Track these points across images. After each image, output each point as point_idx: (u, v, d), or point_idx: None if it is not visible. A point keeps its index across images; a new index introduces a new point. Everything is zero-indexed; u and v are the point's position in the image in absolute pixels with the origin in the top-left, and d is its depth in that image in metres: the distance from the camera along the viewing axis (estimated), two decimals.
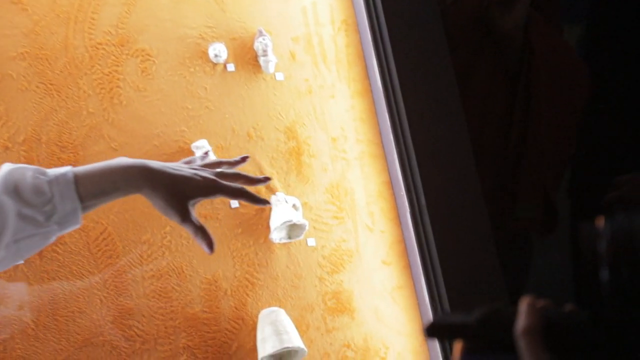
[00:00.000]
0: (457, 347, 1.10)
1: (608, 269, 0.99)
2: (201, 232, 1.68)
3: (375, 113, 2.98)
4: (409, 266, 2.92)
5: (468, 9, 3.13)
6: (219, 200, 2.68)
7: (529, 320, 1.03)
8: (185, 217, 1.66)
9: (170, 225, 2.61)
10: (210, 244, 1.69)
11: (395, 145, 2.88)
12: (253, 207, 2.72)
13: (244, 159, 1.87)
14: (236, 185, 1.72)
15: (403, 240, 2.93)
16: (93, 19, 2.67)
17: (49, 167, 2.47)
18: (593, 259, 1.01)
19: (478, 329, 1.08)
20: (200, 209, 2.65)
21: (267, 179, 1.86)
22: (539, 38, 3.08)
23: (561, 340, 1.03)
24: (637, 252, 0.97)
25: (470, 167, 2.84)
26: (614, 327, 0.99)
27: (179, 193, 1.64)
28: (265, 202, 1.83)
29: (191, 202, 1.67)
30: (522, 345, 1.02)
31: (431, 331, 1.13)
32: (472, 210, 2.84)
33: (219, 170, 1.76)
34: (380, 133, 2.97)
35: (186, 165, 1.74)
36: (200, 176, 1.68)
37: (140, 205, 2.60)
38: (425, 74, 2.87)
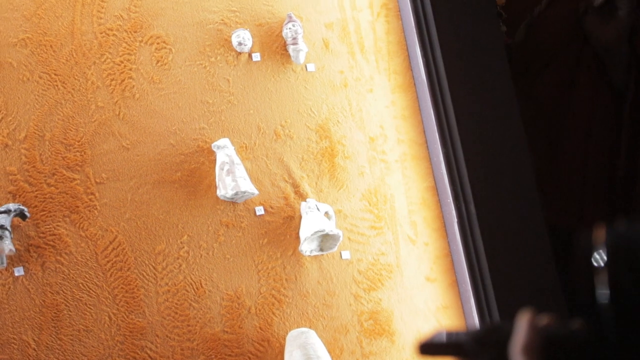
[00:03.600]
0: None
1: (608, 282, 1.02)
2: None
3: (418, 110, 2.95)
4: (456, 283, 2.90)
5: (560, 19, 3.14)
6: (242, 207, 2.68)
7: (528, 338, 1.08)
8: None
9: (188, 234, 2.62)
10: None
11: (441, 146, 2.85)
12: (281, 215, 2.71)
13: None
14: None
15: (449, 253, 2.91)
16: (103, 1, 2.68)
17: (53, 166, 2.56)
18: (591, 271, 1.05)
19: (474, 348, 1.11)
20: (222, 217, 2.65)
21: None
22: None
23: (560, 358, 1.06)
24: (637, 267, 1.01)
25: (526, 174, 2.81)
26: (615, 346, 1.02)
27: None
28: None
29: None
30: None
31: (425, 350, 1.16)
32: (528, 221, 2.79)
33: None
34: (424, 132, 2.94)
35: None
36: None
37: (154, 212, 2.61)
38: (476, 67, 2.83)
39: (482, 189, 2.78)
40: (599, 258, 1.05)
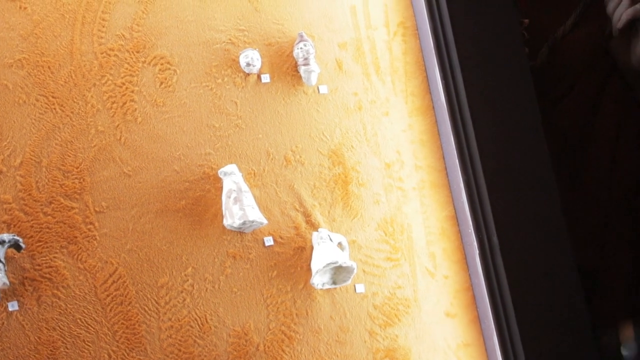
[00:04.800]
0: None
1: None
2: None
3: (437, 134, 2.94)
4: (477, 319, 2.87)
5: (585, 41, 3.16)
6: (250, 237, 2.66)
7: None
8: None
9: (193, 266, 2.59)
10: None
11: (461, 173, 2.84)
12: (291, 246, 2.69)
13: None
14: None
15: (471, 287, 2.88)
16: (104, 19, 2.67)
17: (50, 194, 2.53)
18: None
19: None
20: (229, 248, 2.63)
21: None
22: None
23: None
24: None
25: (553, 203, 2.79)
26: None
27: None
28: None
29: None
30: None
31: None
32: (555, 253, 2.78)
33: None
34: (443, 158, 2.93)
35: None
36: None
37: (157, 243, 2.58)
38: (499, 90, 2.83)
39: (506, 219, 2.76)
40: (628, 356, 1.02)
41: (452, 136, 2.86)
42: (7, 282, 2.36)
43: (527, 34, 3.12)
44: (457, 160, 2.85)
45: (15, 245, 2.41)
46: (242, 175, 2.66)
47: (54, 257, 2.50)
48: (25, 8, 2.59)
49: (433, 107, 2.96)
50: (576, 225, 2.95)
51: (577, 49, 3.14)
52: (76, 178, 2.55)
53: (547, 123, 2.94)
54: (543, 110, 2.88)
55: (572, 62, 3.10)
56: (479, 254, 2.81)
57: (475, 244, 2.82)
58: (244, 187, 2.62)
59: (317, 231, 2.71)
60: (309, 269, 2.69)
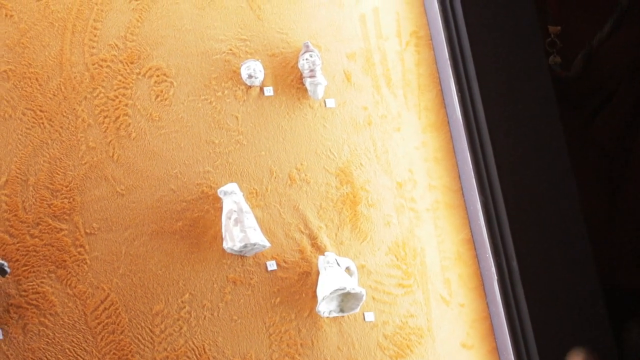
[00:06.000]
0: None
1: None
2: None
3: (453, 152, 2.94)
4: (496, 350, 2.86)
5: (624, 48, 3.15)
6: (252, 261, 2.63)
7: None
8: None
9: (190, 292, 2.57)
10: None
11: (478, 193, 2.84)
12: (295, 271, 2.67)
13: None
14: None
15: (488, 316, 2.87)
16: (95, 28, 2.66)
17: (38, 215, 2.47)
18: None
19: None
20: (229, 272, 2.61)
21: None
22: None
23: None
24: None
25: (577, 225, 2.78)
26: None
27: None
28: None
29: None
30: None
31: None
32: (579, 279, 2.76)
33: None
34: (459, 178, 2.93)
35: None
36: None
37: (152, 267, 2.56)
38: (518, 103, 2.82)
39: (526, 243, 2.76)
40: None
41: (468, 154, 2.87)
42: None
43: (559, 42, 3.13)
44: (474, 180, 2.86)
45: (0, 270, 2.38)
46: (244, 195, 2.65)
47: (42, 282, 2.48)
48: (11, 16, 2.58)
49: (448, 123, 2.96)
50: (618, 242, 2.97)
51: (615, 57, 3.14)
52: (65, 197, 2.54)
53: (584, 136, 2.94)
54: (576, 124, 2.88)
55: (610, 71, 3.09)
56: (497, 281, 2.81)
57: (493, 269, 2.82)
58: (245, 207, 2.61)
59: (324, 255, 2.71)
60: (314, 296, 2.68)
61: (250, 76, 2.73)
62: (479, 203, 2.84)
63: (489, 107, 2.80)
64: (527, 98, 2.82)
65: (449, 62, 2.90)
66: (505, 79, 2.84)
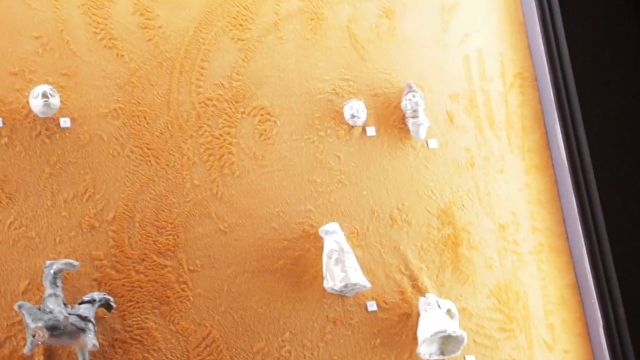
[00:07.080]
0: None
1: None
2: None
3: (557, 195, 2.91)
4: None
5: None
6: (352, 301, 2.62)
7: None
8: None
9: (291, 331, 2.56)
10: None
11: (584, 237, 2.80)
12: (396, 312, 2.65)
13: None
14: None
15: None
16: (202, 68, 2.69)
17: (143, 251, 2.52)
18: None
19: None
20: (329, 312, 2.60)
21: None
22: None
23: None
24: None
25: None
26: None
27: None
28: None
29: None
30: None
31: None
32: None
33: None
34: (563, 221, 2.89)
35: None
36: None
37: (253, 305, 2.56)
38: (626, 146, 2.78)
39: (634, 289, 2.71)
40: None
41: (573, 197, 2.84)
42: (97, 344, 2.35)
43: None
44: (579, 224, 2.82)
45: (106, 305, 2.40)
46: (345, 235, 2.64)
47: (146, 317, 2.49)
48: (122, 55, 2.60)
49: (552, 165, 2.93)
50: None
51: None
52: (170, 234, 2.55)
53: None
54: None
55: None
56: (603, 327, 2.76)
57: (599, 315, 2.77)
58: (346, 247, 2.60)
59: (425, 296, 2.68)
60: (415, 338, 2.65)
61: (353, 116, 2.73)
62: (584, 247, 2.80)
63: (595, 149, 2.77)
64: (634, 142, 2.78)
65: (554, 104, 2.87)
66: (612, 121, 2.80)
